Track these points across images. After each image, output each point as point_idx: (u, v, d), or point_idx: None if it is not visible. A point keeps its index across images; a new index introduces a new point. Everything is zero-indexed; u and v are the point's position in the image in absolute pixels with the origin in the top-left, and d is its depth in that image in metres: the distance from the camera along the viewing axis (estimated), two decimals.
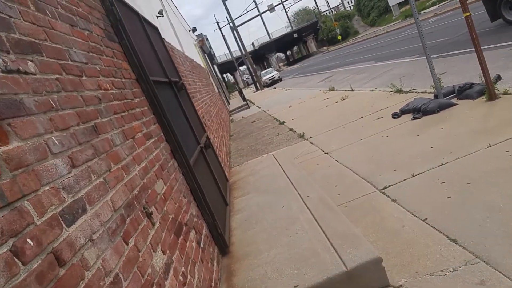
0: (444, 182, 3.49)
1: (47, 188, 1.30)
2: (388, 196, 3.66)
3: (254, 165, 5.84)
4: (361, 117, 7.44)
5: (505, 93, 5.34)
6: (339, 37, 61.30)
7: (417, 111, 6.10)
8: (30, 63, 1.51)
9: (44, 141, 1.39)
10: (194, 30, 18.92)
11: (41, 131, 1.40)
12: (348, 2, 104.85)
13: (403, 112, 6.49)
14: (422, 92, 7.40)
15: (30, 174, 1.24)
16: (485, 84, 5.43)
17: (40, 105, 1.46)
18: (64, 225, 1.29)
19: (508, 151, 3.61)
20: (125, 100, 2.47)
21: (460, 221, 2.79)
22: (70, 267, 1.21)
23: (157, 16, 6.13)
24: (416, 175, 3.85)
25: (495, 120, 4.55)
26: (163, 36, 5.68)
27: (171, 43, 6.67)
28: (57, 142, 1.48)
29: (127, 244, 1.67)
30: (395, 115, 6.51)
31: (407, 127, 5.68)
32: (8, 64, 1.36)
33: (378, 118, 6.85)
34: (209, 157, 4.47)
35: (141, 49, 3.32)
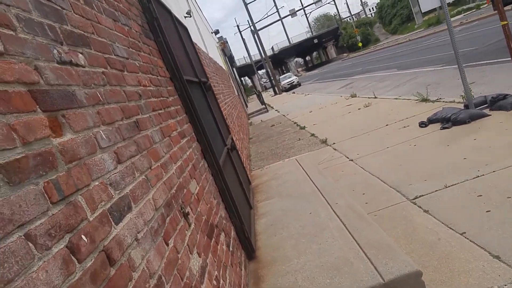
0: (481, 195, 3.35)
1: (97, 183, 1.27)
2: (420, 207, 3.54)
3: (276, 169, 5.77)
4: (386, 125, 7.29)
5: None
6: (360, 44, 60.78)
7: (447, 120, 5.93)
8: (80, 55, 1.48)
9: (93, 135, 1.36)
10: (216, 32, 19.04)
11: (91, 124, 1.38)
12: (369, 9, 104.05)
13: (431, 121, 6.32)
14: (450, 102, 7.20)
15: (82, 168, 1.20)
16: None
17: (90, 98, 1.44)
18: (113, 223, 1.25)
19: None
20: (161, 98, 2.45)
21: (502, 237, 2.66)
22: (119, 267, 1.17)
23: (185, 17, 6.15)
24: (449, 187, 3.71)
25: None
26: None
27: (197, 44, 6.69)
28: (104, 137, 1.45)
29: (167, 245, 1.62)
30: (422, 124, 6.35)
31: (436, 137, 5.52)
32: (62, 55, 1.33)
33: (404, 127, 6.70)
34: (234, 159, 4.43)
35: (174, 48, 3.30)
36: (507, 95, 5.83)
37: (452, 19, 39.13)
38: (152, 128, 2.04)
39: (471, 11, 34.92)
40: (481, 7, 36.47)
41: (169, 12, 3.68)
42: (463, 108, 6.21)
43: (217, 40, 21.32)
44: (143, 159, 1.77)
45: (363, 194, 4.34)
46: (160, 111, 2.30)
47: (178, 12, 5.63)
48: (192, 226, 2.08)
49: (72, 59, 1.40)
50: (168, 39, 3.02)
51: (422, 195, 3.72)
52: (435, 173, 4.18)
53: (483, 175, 3.73)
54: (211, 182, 3.06)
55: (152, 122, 2.08)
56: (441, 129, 5.80)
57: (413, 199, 3.72)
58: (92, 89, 1.48)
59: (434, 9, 44.69)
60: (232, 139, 5.09)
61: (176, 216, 1.94)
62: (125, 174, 1.52)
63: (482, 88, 7.69)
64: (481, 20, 24.43)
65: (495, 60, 9.72)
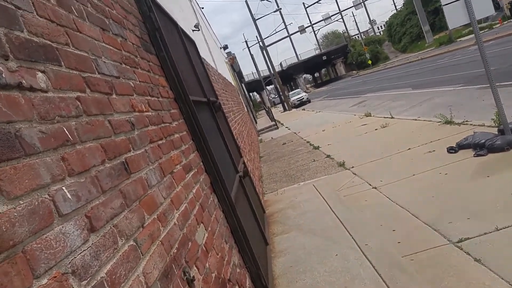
0: None
1: (45, 279, 0.78)
2: (468, 253, 2.98)
3: (292, 196, 5.26)
4: (409, 149, 6.74)
5: None
6: (369, 62, 60.60)
7: (480, 147, 5.38)
8: (40, 74, 1.02)
9: (49, 197, 0.88)
10: (225, 47, 18.82)
11: (46, 181, 0.90)
12: (378, 27, 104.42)
13: (461, 147, 5.77)
14: (479, 125, 6.65)
15: (16, 261, 0.72)
16: None
17: (48, 139, 0.96)
18: None
19: None
20: (163, 125, 1.98)
21: None
22: None
23: (193, 30, 5.77)
24: (501, 229, 3.16)
25: None
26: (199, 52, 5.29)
27: (206, 59, 6.29)
28: (69, 196, 0.97)
29: None
30: (452, 150, 5.79)
31: (470, 165, 4.97)
32: (3, 75, 0.87)
33: (430, 152, 6.15)
34: (247, 187, 3.93)
35: (179, 64, 2.87)
36: None
37: (464, 38, 38.75)
38: (148, 167, 1.56)
39: (483, 31, 34.46)
40: (493, 26, 35.98)
41: (174, 23, 3.26)
42: (497, 133, 5.67)
43: (226, 56, 21.12)
44: (132, 215, 1.28)
45: (393, 230, 3.78)
46: (160, 142, 1.83)
47: (185, 25, 5.24)
48: None
49: (23, 81, 0.93)
50: (172, 53, 2.58)
51: (469, 238, 3.16)
52: (479, 210, 3.62)
53: None
54: (222, 222, 2.56)
55: (149, 158, 1.61)
56: (474, 156, 5.24)
57: (458, 242, 3.16)
58: (54, 124, 1.01)
59: (445, 28, 44.43)
60: (244, 163, 4.60)
61: (178, 286, 1.45)
62: (101, 247, 1.03)
63: (510, 112, 7.14)
64: (497, 39, 23.93)
65: None
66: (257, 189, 5.02)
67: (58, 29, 1.21)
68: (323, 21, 47.40)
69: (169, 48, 2.50)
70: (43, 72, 1.04)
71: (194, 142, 2.52)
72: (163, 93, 2.17)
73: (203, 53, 6.54)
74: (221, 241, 2.32)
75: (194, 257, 1.76)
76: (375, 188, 5.26)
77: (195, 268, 1.72)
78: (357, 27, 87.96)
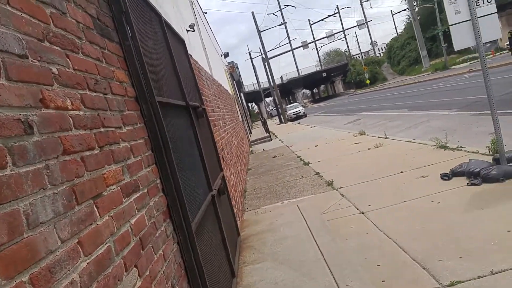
0: None
1: None
2: None
3: (273, 216, 4.90)
4: (401, 172, 6.45)
5: None
6: (368, 81, 60.92)
7: (475, 175, 5.09)
8: None
9: None
10: (226, 55, 18.59)
11: None
12: (378, 49, 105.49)
13: (455, 174, 5.49)
14: (473, 152, 6.40)
15: None
16: None
17: None
18: None
19: None
20: (102, 129, 1.59)
21: None
22: None
23: (188, 30, 5.48)
24: (497, 273, 2.83)
25: None
26: (190, 52, 4.98)
27: (199, 63, 5.98)
28: None
29: None
30: (445, 177, 5.50)
31: (464, 195, 4.67)
32: None
33: (423, 177, 5.86)
34: (220, 207, 3.58)
35: (153, 60, 2.54)
36: None
37: (457, 66, 39.05)
38: (38, 194, 1.08)
39: (476, 60, 34.71)
40: (487, 57, 36.25)
41: (157, 13, 2.94)
42: (492, 161, 5.39)
43: (227, 63, 20.90)
44: None
45: (378, 265, 3.44)
46: (86, 153, 1.41)
47: (179, 23, 4.95)
48: None
49: None
50: (143, 46, 2.26)
51: (461, 282, 2.82)
52: (473, 248, 3.30)
53: None
54: (173, 258, 2.09)
55: (49, 178, 1.15)
56: (468, 185, 4.95)
57: (449, 286, 2.82)
58: None
59: (441, 55, 44.78)
60: (223, 178, 4.25)
61: None
62: None
63: (506, 140, 6.88)
64: (491, 69, 24.00)
65: None
66: (234, 208, 4.65)
67: None
68: (326, 38, 47.60)
69: (138, 39, 2.17)
70: None
71: (155, 153, 2.17)
72: (116, 89, 1.83)
73: (197, 56, 6.24)
74: (165, 286, 1.87)
75: None
76: (363, 213, 4.93)
77: None
78: (359, 47, 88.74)
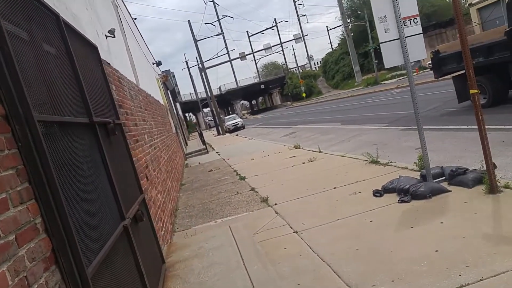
0: None
1: None
2: None
3: (203, 239, 4.51)
4: (334, 188, 6.43)
5: (506, 186, 4.55)
6: (304, 94, 63.15)
7: (405, 192, 5.17)
8: None
9: None
10: (158, 64, 17.81)
11: None
12: (314, 63, 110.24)
13: (386, 190, 5.55)
14: (403, 168, 6.59)
15: None
16: (485, 173, 4.65)
17: None
18: None
19: None
20: None
21: None
22: None
23: (107, 36, 4.93)
24: None
25: (510, 225, 3.64)
26: (109, 61, 4.45)
27: (121, 71, 5.43)
28: None
29: None
30: (377, 193, 5.54)
31: (395, 213, 4.68)
32: None
33: (356, 193, 5.86)
34: (138, 236, 3.11)
35: (41, 69, 2.06)
36: (466, 170, 5.26)
37: (387, 81, 42.12)
38: None
39: (403, 77, 37.74)
40: (413, 74, 39.57)
41: (50, 10, 2.44)
42: (419, 178, 5.55)
43: (160, 72, 20.10)
44: None
45: None
46: None
47: (94, 27, 4.40)
48: None
49: None
50: (18, 51, 1.79)
51: None
52: (404, 270, 3.21)
53: (468, 284, 2.81)
54: None
55: None
56: (399, 202, 5.00)
57: None
58: None
59: (372, 70, 48.10)
60: (143, 200, 3.77)
61: None
62: None
63: (431, 156, 7.23)
64: (418, 85, 26.08)
65: (437, 127, 9.55)
66: (161, 231, 4.18)
67: None
68: (264, 51, 48.41)
69: (10, 42, 1.70)
70: None
71: (33, 186, 1.70)
72: None
73: (120, 64, 5.67)
74: None
75: None
76: (296, 232, 4.73)
77: None
78: (296, 60, 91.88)
